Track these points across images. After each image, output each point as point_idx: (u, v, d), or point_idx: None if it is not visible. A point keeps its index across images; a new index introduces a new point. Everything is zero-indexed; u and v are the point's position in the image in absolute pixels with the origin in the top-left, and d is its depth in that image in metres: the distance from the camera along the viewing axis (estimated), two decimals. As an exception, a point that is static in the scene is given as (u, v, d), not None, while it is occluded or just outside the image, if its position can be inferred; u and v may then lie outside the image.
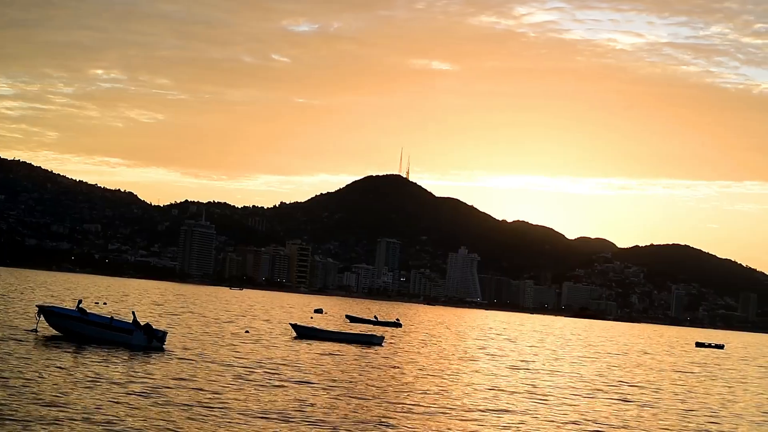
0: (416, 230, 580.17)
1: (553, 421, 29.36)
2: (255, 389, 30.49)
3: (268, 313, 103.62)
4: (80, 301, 45.22)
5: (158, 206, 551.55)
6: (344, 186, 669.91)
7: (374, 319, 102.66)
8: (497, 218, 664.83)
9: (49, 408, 23.02)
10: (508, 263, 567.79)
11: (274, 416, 25.04)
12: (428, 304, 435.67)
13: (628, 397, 39.68)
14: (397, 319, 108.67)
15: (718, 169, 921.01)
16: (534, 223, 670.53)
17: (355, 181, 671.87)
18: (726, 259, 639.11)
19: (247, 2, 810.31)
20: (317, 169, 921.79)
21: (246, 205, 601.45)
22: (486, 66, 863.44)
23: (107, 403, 24.64)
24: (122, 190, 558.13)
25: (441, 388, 35.75)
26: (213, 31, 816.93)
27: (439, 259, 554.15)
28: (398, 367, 43.93)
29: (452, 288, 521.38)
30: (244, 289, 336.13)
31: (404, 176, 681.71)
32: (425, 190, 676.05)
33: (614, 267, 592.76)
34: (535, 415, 30.33)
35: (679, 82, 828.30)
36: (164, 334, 42.66)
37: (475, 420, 28.04)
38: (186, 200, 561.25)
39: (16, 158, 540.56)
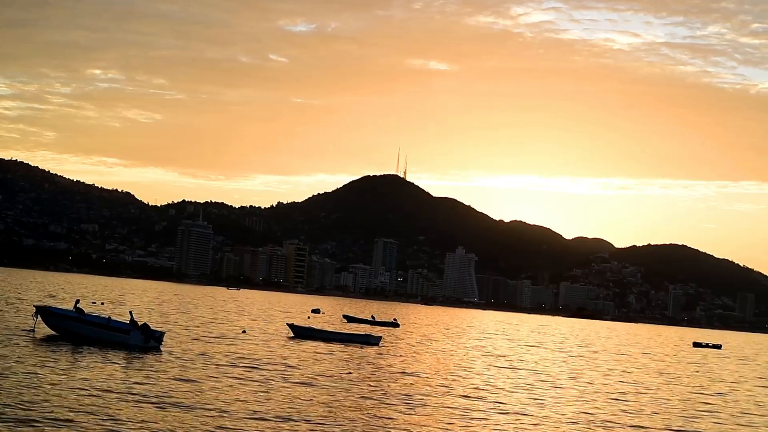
0: (413, 230, 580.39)
1: (550, 421, 29.42)
2: (252, 389, 30.49)
3: (265, 313, 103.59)
4: (78, 301, 45.23)
5: (155, 206, 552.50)
6: (341, 186, 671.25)
7: (371, 319, 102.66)
8: (494, 218, 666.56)
9: (45, 408, 23.06)
10: (505, 263, 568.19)
11: (271, 416, 25.05)
12: (425, 304, 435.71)
13: (628, 397, 39.76)
14: (395, 319, 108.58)
15: (716, 169, 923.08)
16: (531, 223, 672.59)
17: (353, 181, 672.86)
18: (723, 259, 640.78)
19: (245, 2, 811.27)
20: (315, 169, 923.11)
21: (243, 205, 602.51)
22: (483, 66, 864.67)
23: (103, 403, 24.67)
24: (119, 190, 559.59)
25: (438, 388, 35.78)
26: (211, 31, 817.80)
27: (436, 259, 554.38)
28: (395, 367, 43.96)
29: (449, 288, 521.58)
30: (241, 289, 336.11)
31: (402, 176, 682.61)
32: (423, 190, 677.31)
33: (611, 267, 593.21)
34: (531, 415, 30.38)
35: (676, 82, 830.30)
36: (161, 334, 42.67)
37: (472, 420, 28.09)
38: (183, 200, 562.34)
39: (14, 158, 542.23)
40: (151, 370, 33.17)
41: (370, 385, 34.77)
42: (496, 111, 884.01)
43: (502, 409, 31.19)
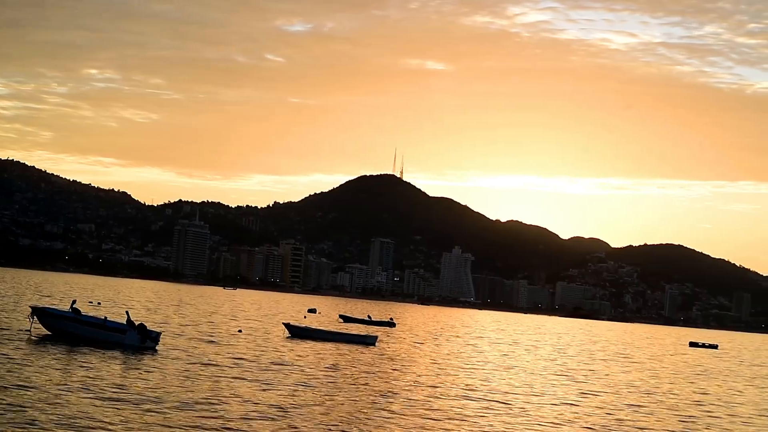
0: (410, 230, 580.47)
1: (546, 421, 29.51)
2: (248, 389, 30.55)
3: (262, 313, 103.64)
4: (74, 301, 45.26)
5: (152, 206, 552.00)
6: (338, 186, 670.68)
7: (368, 319, 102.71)
8: (491, 218, 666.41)
9: (40, 409, 23.10)
10: (501, 263, 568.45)
11: (268, 416, 25.12)
12: (422, 303, 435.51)
13: (628, 397, 39.85)
14: (391, 319, 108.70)
15: (712, 169, 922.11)
16: (528, 222, 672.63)
17: (349, 181, 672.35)
18: (720, 258, 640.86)
19: (241, 2, 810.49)
20: (311, 169, 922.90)
21: (240, 204, 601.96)
22: (480, 66, 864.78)
23: (99, 403, 24.73)
24: (116, 190, 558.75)
25: (434, 388, 35.84)
26: (207, 31, 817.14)
27: (432, 258, 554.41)
28: (391, 367, 44.04)
29: (446, 288, 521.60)
30: (237, 289, 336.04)
31: (398, 176, 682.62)
32: (419, 189, 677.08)
33: (608, 267, 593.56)
34: (528, 415, 30.46)
35: (673, 82, 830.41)
36: (158, 334, 42.72)
37: (468, 420, 28.16)
38: (180, 200, 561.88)
39: (10, 158, 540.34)
40: (148, 370, 33.22)
41: (365, 385, 34.83)
42: (492, 111, 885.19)
43: (498, 409, 31.27)
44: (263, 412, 25.66)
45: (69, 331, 42.51)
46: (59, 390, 26.45)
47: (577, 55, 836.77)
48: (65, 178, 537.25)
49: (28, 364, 31.65)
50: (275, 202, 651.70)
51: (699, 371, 67.34)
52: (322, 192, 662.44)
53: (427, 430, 25.58)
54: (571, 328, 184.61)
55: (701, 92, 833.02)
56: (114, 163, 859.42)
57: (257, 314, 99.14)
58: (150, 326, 45.55)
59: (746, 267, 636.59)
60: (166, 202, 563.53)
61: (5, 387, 25.91)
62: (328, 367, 40.99)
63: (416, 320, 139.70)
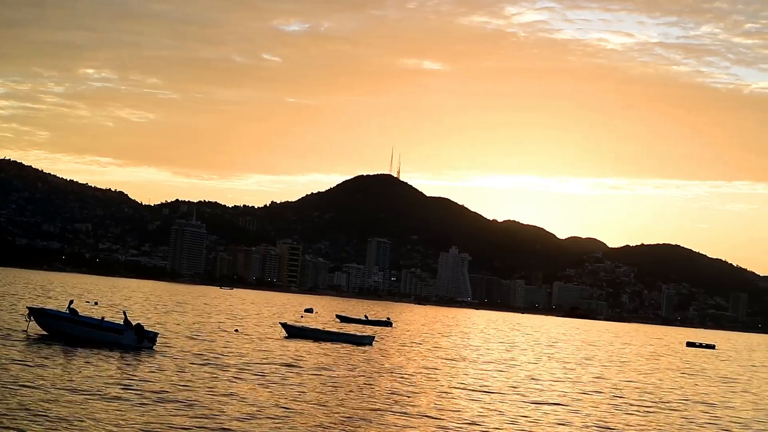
0: (407, 230, 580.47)
1: (545, 420, 29.55)
2: (245, 389, 30.57)
3: (259, 313, 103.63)
4: (71, 302, 45.26)
5: (149, 206, 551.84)
6: (335, 185, 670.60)
7: (365, 318, 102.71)
8: (488, 218, 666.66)
9: (39, 409, 23.11)
10: (499, 263, 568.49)
11: (265, 416, 25.12)
12: (419, 303, 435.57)
13: (628, 397, 39.90)
14: (388, 318, 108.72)
15: (709, 168, 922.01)
16: (525, 222, 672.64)
17: (346, 181, 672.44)
18: (716, 258, 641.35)
19: (238, 2, 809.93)
20: (308, 169, 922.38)
21: (237, 204, 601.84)
22: (477, 66, 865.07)
23: (97, 403, 24.74)
24: (113, 190, 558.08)
25: (431, 388, 35.89)
26: (204, 30, 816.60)
27: (429, 258, 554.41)
28: (388, 367, 44.06)
29: (443, 287, 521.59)
30: (234, 289, 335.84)
31: (395, 176, 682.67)
32: (416, 189, 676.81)
33: (605, 267, 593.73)
34: (526, 416, 30.51)
35: (669, 82, 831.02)
36: (155, 334, 42.75)
37: (465, 419, 28.20)
38: (177, 200, 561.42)
39: (7, 157, 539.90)
40: (145, 370, 33.23)
41: (362, 385, 34.86)
42: (489, 111, 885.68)
43: (494, 408, 31.31)
44: (260, 412, 25.66)
45: (66, 331, 42.49)
46: (56, 390, 26.45)
47: (574, 55, 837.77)
48: (62, 178, 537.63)
49: (26, 365, 31.64)
50: (272, 201, 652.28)
51: (697, 371, 67.41)
52: (319, 192, 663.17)
53: (425, 429, 25.62)
54: (568, 328, 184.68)
55: (698, 92, 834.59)
56: (111, 162, 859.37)
57: (254, 314, 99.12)
58: (147, 326, 45.55)
59: (743, 267, 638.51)
60: (163, 201, 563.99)
61: (3, 387, 25.91)
62: (325, 367, 41.00)
63: (413, 320, 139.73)
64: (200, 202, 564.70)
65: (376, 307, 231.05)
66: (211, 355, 41.60)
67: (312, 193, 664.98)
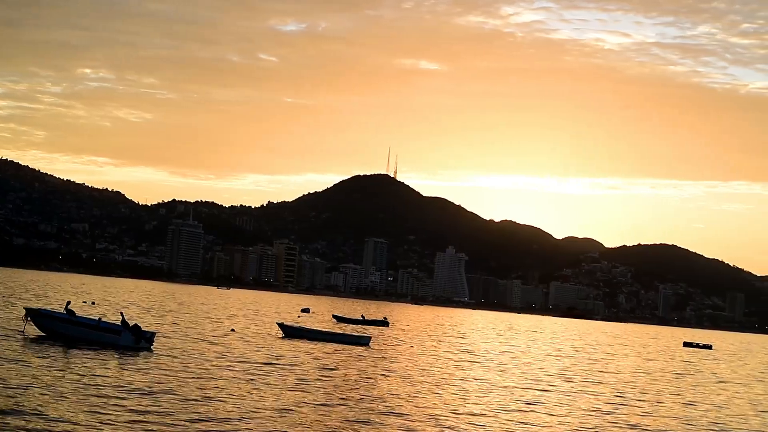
0: (403, 230, 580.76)
1: (546, 421, 29.62)
2: (242, 389, 30.59)
3: (256, 313, 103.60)
4: (68, 303, 45.28)
5: (146, 205, 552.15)
6: (332, 185, 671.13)
7: (361, 318, 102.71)
8: (485, 218, 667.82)
9: (37, 408, 23.14)
10: (495, 263, 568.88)
11: (262, 416, 25.15)
12: (416, 303, 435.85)
13: (628, 398, 39.98)
14: (385, 318, 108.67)
15: (705, 169, 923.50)
16: (521, 222, 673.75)
17: (343, 181, 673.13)
18: (713, 258, 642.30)
19: (235, 2, 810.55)
20: (305, 169, 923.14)
21: (233, 204, 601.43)
22: (474, 66, 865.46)
23: (95, 403, 24.78)
24: (110, 190, 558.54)
25: (428, 388, 35.93)
26: (201, 30, 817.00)
27: (426, 258, 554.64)
28: (384, 367, 44.10)
29: (440, 287, 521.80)
30: (231, 289, 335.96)
31: (392, 176, 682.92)
32: (413, 189, 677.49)
33: (601, 267, 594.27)
34: (527, 415, 30.57)
35: (666, 82, 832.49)
36: (152, 334, 42.75)
37: (462, 419, 28.25)
38: (174, 199, 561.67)
39: (4, 157, 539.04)
40: (142, 370, 33.25)
41: (359, 385, 34.90)
42: (486, 111, 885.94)
43: (492, 408, 31.37)
44: (257, 412, 25.69)
45: (63, 332, 42.51)
46: (53, 390, 26.46)
47: (571, 55, 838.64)
48: (59, 178, 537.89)
49: (24, 365, 31.65)
50: (269, 201, 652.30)
51: (696, 371, 67.50)
52: (315, 192, 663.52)
53: (423, 429, 25.68)
54: (566, 329, 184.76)
55: (695, 92, 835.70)
56: (108, 162, 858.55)
57: (251, 314, 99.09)
58: (144, 326, 45.58)
59: (740, 267, 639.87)
60: (160, 201, 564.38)
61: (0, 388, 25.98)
62: (321, 367, 41.05)
63: (410, 320, 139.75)
64: (197, 202, 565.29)
65: (373, 307, 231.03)
66: (208, 355, 41.63)
67: (309, 193, 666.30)
